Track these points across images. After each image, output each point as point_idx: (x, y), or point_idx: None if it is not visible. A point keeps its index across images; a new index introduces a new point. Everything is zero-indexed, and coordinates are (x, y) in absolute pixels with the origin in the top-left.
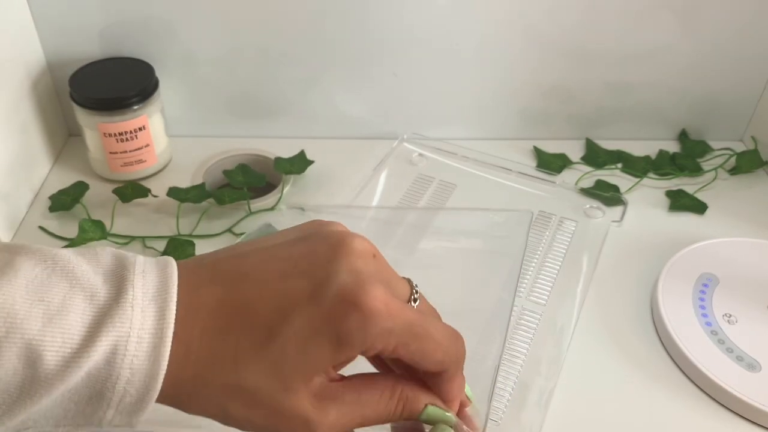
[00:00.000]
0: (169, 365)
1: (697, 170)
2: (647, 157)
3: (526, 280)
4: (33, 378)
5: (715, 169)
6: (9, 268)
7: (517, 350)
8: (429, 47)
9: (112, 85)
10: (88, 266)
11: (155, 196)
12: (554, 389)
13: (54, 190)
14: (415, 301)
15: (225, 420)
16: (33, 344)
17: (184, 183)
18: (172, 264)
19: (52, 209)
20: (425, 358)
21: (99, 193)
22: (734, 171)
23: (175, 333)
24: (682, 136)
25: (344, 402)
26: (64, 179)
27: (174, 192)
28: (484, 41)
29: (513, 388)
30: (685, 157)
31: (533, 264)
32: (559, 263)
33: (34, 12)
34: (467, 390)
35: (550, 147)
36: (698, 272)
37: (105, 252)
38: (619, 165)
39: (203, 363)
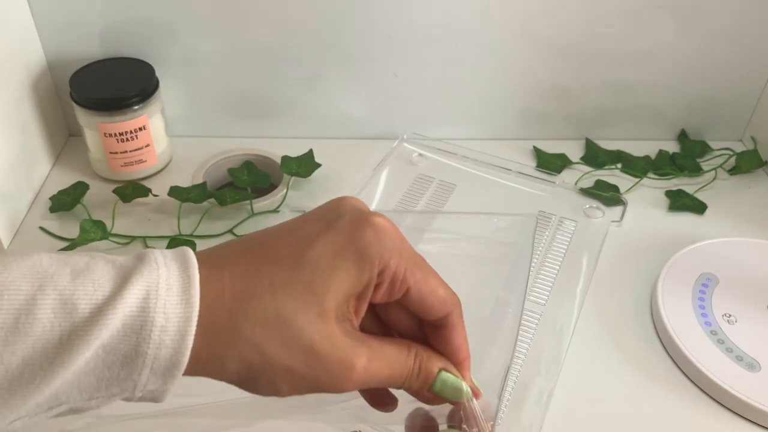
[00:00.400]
0: (202, 308)
1: (696, 170)
2: (647, 157)
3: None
4: (70, 330)
5: (714, 169)
6: (30, 253)
7: (517, 350)
8: (429, 47)
9: (112, 85)
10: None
11: (156, 195)
12: (554, 389)
13: (54, 191)
14: None
15: (263, 371)
16: (66, 295)
17: (185, 183)
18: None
19: (52, 209)
20: (430, 294)
21: (99, 193)
22: (734, 171)
23: (204, 277)
24: (682, 136)
25: (371, 348)
26: (65, 179)
27: (175, 192)
28: (485, 41)
29: (513, 387)
30: (684, 157)
31: (533, 264)
32: (559, 263)
33: (35, 12)
34: (475, 381)
35: (550, 147)
36: (698, 272)
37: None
38: (619, 165)
39: (239, 298)
